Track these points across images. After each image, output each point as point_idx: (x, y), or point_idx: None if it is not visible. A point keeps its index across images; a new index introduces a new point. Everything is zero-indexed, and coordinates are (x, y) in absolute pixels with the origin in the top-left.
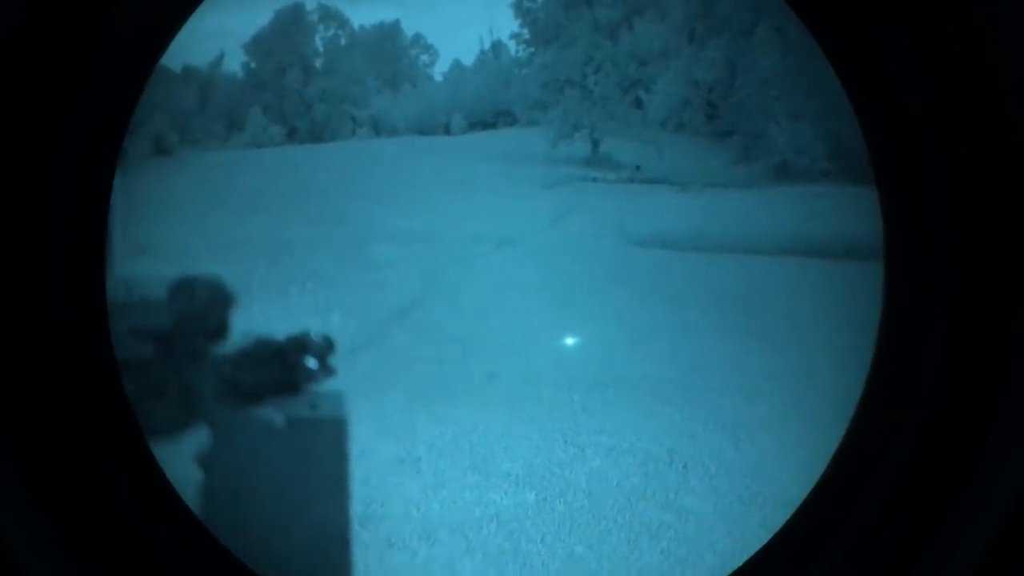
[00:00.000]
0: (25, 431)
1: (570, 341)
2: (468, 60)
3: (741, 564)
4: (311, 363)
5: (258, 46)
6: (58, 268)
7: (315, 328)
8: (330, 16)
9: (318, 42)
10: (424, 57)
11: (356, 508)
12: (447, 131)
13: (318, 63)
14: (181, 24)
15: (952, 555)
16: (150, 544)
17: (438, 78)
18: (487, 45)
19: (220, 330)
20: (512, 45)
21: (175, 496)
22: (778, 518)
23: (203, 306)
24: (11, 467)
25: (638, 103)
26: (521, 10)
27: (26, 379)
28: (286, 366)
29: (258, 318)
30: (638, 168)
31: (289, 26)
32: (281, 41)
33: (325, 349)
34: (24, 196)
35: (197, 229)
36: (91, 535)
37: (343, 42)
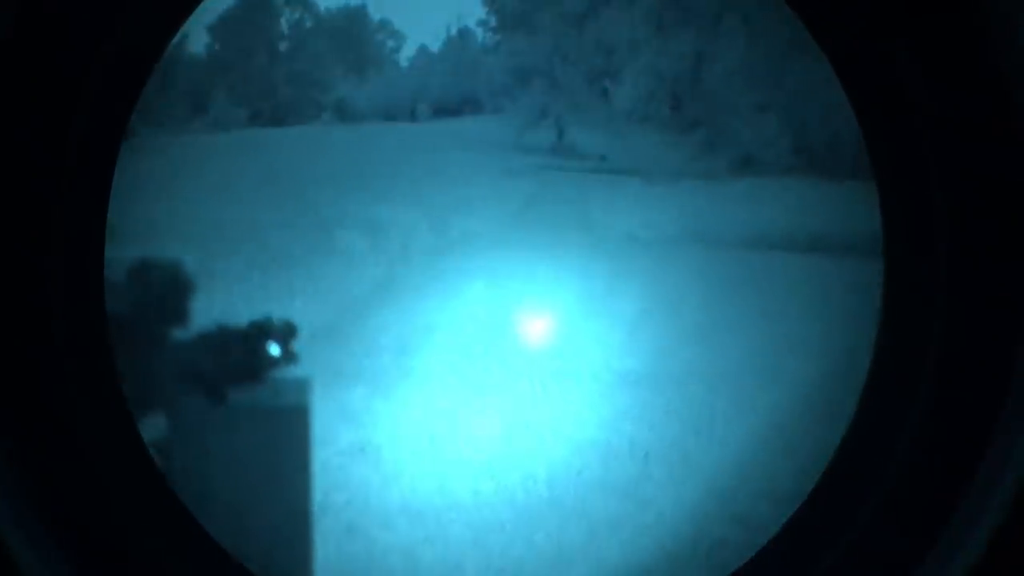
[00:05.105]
0: (19, 426)
1: (533, 331)
2: (435, 46)
3: (740, 564)
4: (273, 349)
5: (223, 27)
6: (57, 267)
7: (277, 314)
8: None
9: (283, 25)
10: (390, 42)
11: (315, 495)
12: (413, 117)
13: (283, 46)
14: (185, 18)
15: (954, 556)
16: (141, 536)
17: (404, 64)
18: (454, 31)
19: (179, 315)
20: (479, 32)
21: (169, 491)
22: (739, 507)
23: (160, 291)
24: (3, 460)
25: (604, 93)
26: None
27: (20, 372)
28: (248, 352)
29: (220, 303)
30: (603, 158)
31: (255, 8)
32: (246, 23)
33: (287, 334)
34: (23, 199)
35: (159, 211)
36: (84, 528)
37: (308, 25)
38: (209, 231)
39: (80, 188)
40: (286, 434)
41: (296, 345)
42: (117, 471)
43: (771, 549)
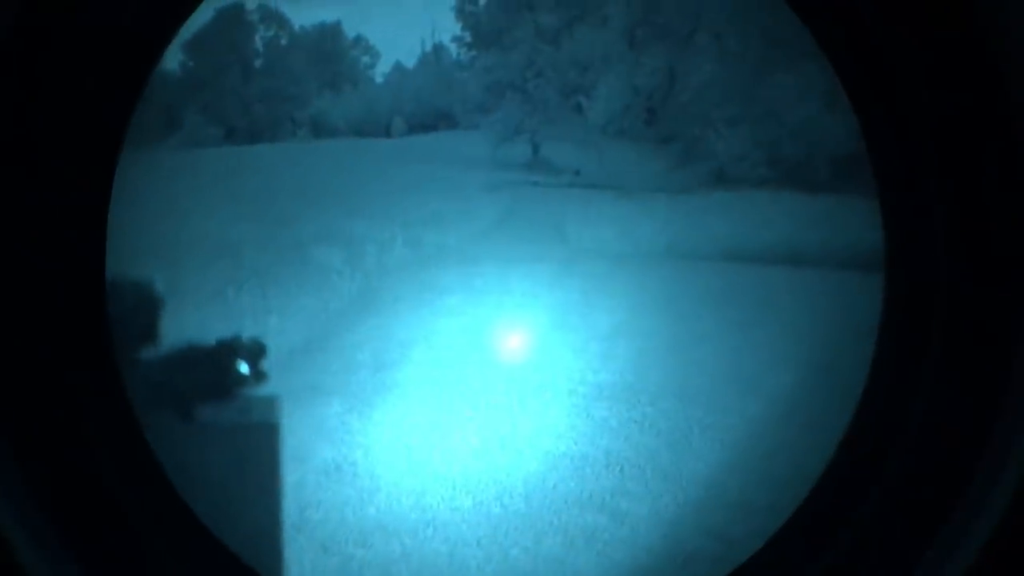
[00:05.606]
0: (23, 426)
1: (509, 345)
2: (409, 62)
3: (737, 566)
4: (242, 367)
5: (197, 45)
6: (58, 278)
7: (251, 331)
8: (270, 16)
9: (258, 42)
10: (365, 58)
11: (291, 512)
12: (388, 133)
13: (258, 63)
14: (183, 21)
15: (953, 556)
16: (147, 536)
17: (379, 80)
18: (428, 47)
19: (149, 333)
20: (454, 48)
21: (171, 488)
22: (714, 520)
23: (130, 308)
24: (6, 458)
25: (579, 108)
26: (463, 13)
27: (24, 373)
28: (217, 370)
29: (193, 320)
30: (577, 173)
31: (229, 25)
32: (220, 40)
33: (256, 353)
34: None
35: (133, 228)
36: (89, 528)
37: (283, 42)
38: (184, 248)
39: (81, 189)
40: (258, 451)
41: (268, 363)
42: (122, 472)
43: (769, 548)
